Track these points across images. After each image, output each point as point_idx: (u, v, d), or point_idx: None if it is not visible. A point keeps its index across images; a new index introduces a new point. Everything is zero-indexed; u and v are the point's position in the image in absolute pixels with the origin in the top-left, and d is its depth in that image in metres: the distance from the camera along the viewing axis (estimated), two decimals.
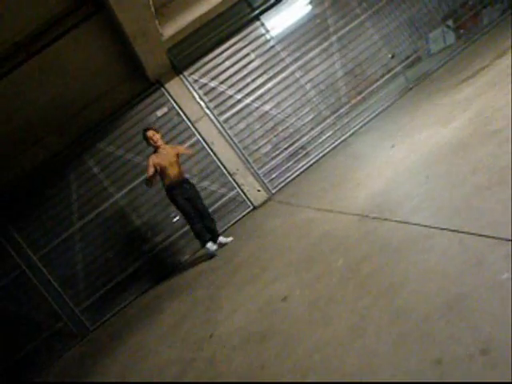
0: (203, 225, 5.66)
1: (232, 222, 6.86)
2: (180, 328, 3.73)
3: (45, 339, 6.62)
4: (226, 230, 6.75)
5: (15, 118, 5.42)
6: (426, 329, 1.52)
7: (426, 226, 2.22)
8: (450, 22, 7.74)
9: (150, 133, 5.54)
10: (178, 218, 6.73)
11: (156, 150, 5.56)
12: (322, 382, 1.61)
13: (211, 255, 5.55)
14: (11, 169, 6.50)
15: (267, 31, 7.03)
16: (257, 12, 6.94)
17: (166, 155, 5.50)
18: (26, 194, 6.61)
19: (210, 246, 5.56)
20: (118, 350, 4.49)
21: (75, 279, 6.74)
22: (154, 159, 5.45)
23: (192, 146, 6.81)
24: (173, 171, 5.52)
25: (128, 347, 4.31)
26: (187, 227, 6.49)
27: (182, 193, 5.56)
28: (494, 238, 1.71)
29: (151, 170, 5.35)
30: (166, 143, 5.94)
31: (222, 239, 5.71)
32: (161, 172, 5.49)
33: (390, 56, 7.34)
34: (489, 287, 1.49)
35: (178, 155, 5.67)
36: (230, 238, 5.72)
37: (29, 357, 6.54)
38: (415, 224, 2.33)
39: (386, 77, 7.35)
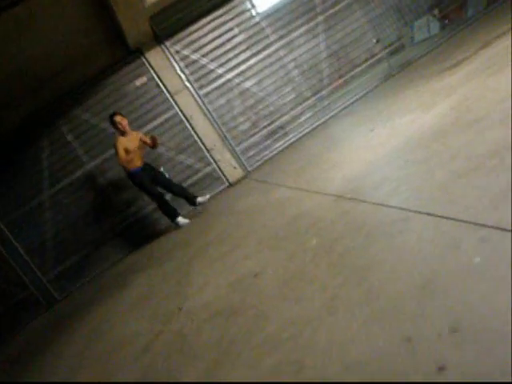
0: (177, 195, 5.96)
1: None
2: (149, 300, 3.69)
3: (10, 307, 6.49)
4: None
5: None
6: (397, 308, 1.52)
7: (402, 208, 2.22)
8: (435, 12, 7.75)
9: (118, 117, 5.57)
10: None
11: (122, 134, 5.58)
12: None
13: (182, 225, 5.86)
14: None
15: (253, 6, 6.90)
16: None
17: (131, 140, 5.54)
18: None
19: (181, 219, 5.82)
20: (84, 320, 4.43)
21: (44, 248, 6.61)
22: (122, 142, 5.46)
23: (169, 120, 6.70)
24: (137, 156, 5.59)
25: (95, 318, 4.25)
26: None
27: (145, 175, 5.69)
28: (469, 222, 1.72)
29: (123, 155, 5.38)
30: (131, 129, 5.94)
31: (200, 199, 5.88)
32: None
33: (374, 41, 7.32)
34: (461, 270, 1.50)
35: (141, 140, 5.72)
36: (207, 196, 6.01)
37: None
38: (391, 206, 2.33)
39: (370, 61, 7.33)
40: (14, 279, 6.50)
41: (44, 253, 6.61)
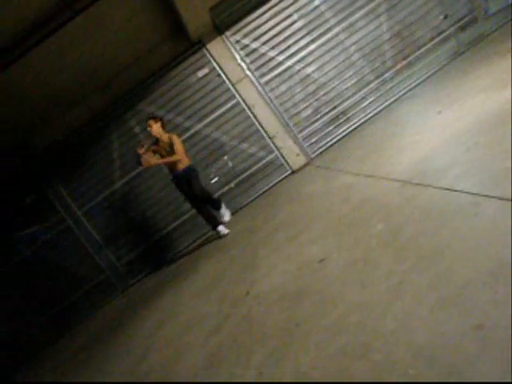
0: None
1: (270, 185, 6.87)
2: (216, 286, 3.83)
3: (87, 290, 6.98)
4: (263, 192, 6.81)
5: (60, 77, 5.55)
6: (468, 294, 1.50)
7: (472, 193, 2.15)
8: None
9: (149, 121, 5.53)
10: (217, 178, 6.84)
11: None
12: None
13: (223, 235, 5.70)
14: (58, 127, 6.69)
15: None
16: None
17: (161, 145, 5.56)
18: (71, 152, 6.81)
19: (222, 229, 5.73)
20: (155, 303, 4.68)
21: (117, 234, 7.00)
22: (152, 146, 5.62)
23: (231, 109, 6.81)
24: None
25: (165, 301, 4.48)
26: (226, 188, 6.71)
27: (178, 182, 5.67)
28: None
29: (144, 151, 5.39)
30: (166, 132, 5.73)
31: (221, 228, 5.74)
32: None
33: (441, 17, 6.96)
34: None
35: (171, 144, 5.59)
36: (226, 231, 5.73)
37: (73, 306, 6.93)
38: (459, 191, 2.26)
39: (436, 40, 6.99)
40: (90, 264, 6.97)
41: (118, 239, 7.02)
